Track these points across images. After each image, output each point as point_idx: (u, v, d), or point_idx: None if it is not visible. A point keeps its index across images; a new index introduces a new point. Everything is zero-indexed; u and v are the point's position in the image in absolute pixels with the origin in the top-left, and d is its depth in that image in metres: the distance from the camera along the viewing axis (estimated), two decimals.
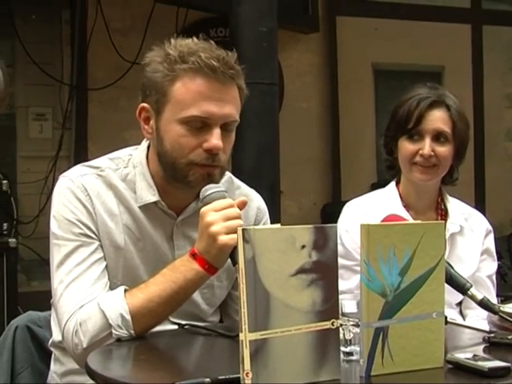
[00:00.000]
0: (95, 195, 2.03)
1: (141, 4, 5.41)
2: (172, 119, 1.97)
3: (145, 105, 2.03)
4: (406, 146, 2.52)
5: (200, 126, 1.95)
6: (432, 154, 2.49)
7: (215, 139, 1.94)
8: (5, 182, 4.52)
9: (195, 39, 2.02)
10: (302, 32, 6.08)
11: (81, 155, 5.18)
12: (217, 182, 1.99)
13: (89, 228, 2.01)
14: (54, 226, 2.03)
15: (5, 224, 4.44)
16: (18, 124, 5.28)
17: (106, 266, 2.02)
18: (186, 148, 1.96)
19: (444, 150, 2.51)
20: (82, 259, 1.98)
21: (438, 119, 2.51)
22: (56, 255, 2.00)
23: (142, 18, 5.35)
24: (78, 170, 2.08)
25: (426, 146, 2.49)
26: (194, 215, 2.02)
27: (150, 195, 2.05)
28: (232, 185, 2.20)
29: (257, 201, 2.26)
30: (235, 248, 1.82)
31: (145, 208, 2.06)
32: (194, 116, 1.94)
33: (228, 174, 2.19)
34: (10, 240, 4.34)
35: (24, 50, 5.18)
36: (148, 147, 2.10)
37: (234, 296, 2.19)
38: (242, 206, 1.95)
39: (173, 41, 2.01)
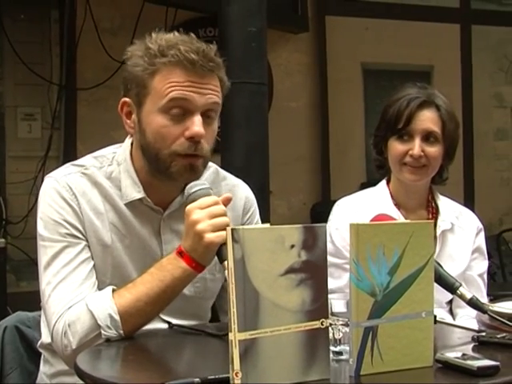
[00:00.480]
0: (80, 194, 2.02)
1: (130, 4, 5.41)
2: (153, 110, 1.96)
3: (126, 99, 2.03)
4: (395, 147, 2.52)
5: (181, 114, 1.95)
6: (422, 154, 2.48)
7: (196, 126, 1.94)
8: None
9: (176, 33, 2.02)
10: (291, 32, 6.08)
11: (70, 155, 5.17)
12: (200, 172, 1.99)
13: (75, 228, 2.00)
14: (40, 227, 2.02)
15: None
16: (6, 124, 5.27)
17: (94, 265, 2.01)
18: (169, 138, 1.95)
19: (434, 150, 2.50)
20: (68, 260, 1.97)
21: (427, 119, 2.51)
22: (43, 257, 2.00)
23: (131, 18, 5.34)
24: (63, 169, 2.08)
25: (416, 146, 2.49)
26: (180, 209, 2.02)
27: (135, 192, 2.05)
28: (218, 176, 2.20)
29: (244, 190, 2.26)
30: (222, 245, 1.84)
31: (131, 205, 2.06)
32: (173, 99, 1.94)
33: (214, 166, 2.19)
34: None
35: (13, 49, 5.17)
36: (132, 144, 2.10)
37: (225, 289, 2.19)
38: (227, 202, 1.95)
39: (154, 35, 2.01)
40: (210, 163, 2.14)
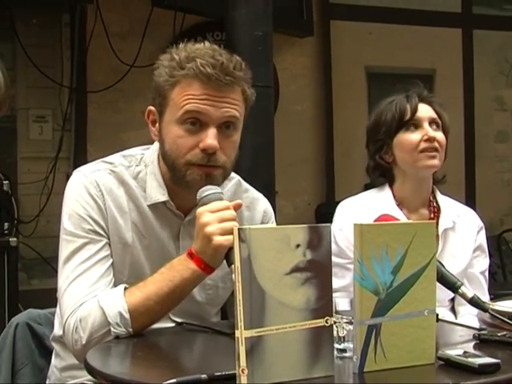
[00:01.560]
0: (107, 191, 2.03)
1: (139, 9, 5.41)
2: (171, 121, 1.98)
3: (151, 108, 2.06)
4: (407, 138, 2.53)
5: (197, 126, 1.95)
6: (435, 136, 2.51)
7: (210, 139, 1.94)
8: (6, 182, 4.52)
9: (207, 43, 2.02)
10: (296, 36, 6.08)
11: (80, 156, 5.17)
12: (217, 182, 1.98)
13: (98, 224, 2.01)
14: (65, 220, 2.03)
15: (6, 223, 4.44)
16: (18, 126, 5.27)
17: (113, 263, 2.02)
18: (184, 148, 1.96)
19: (441, 135, 2.55)
20: (88, 256, 1.98)
21: (427, 109, 2.57)
22: (64, 251, 2.00)
23: (140, 23, 5.35)
24: (93, 165, 2.09)
25: (429, 129, 2.52)
26: None
27: (159, 195, 2.06)
28: (240, 188, 2.20)
29: (264, 204, 2.25)
30: (230, 249, 1.82)
31: (154, 207, 2.06)
32: (188, 111, 1.94)
33: (236, 177, 2.19)
34: (10, 239, 4.34)
35: (25, 53, 5.17)
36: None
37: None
38: (238, 208, 1.95)
39: (181, 45, 2.01)
40: (233, 174, 2.14)
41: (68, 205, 2.03)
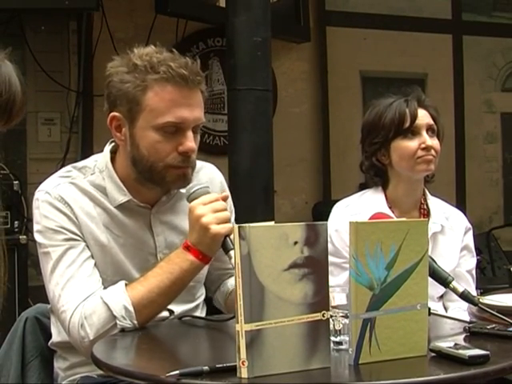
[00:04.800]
0: (72, 201, 2.02)
1: (143, 16, 5.40)
2: (147, 126, 1.97)
3: (116, 114, 2.03)
4: (405, 145, 2.51)
5: (174, 130, 1.97)
6: (432, 145, 2.50)
7: (189, 142, 1.97)
8: (16, 182, 4.51)
9: (153, 47, 2.02)
10: (294, 41, 6.06)
11: (87, 157, 5.16)
12: (190, 180, 2.02)
13: (73, 232, 2.00)
14: (39, 238, 2.02)
15: (16, 222, 4.43)
16: (28, 128, 5.26)
17: (95, 264, 2.01)
18: (163, 152, 1.97)
19: (436, 142, 2.54)
20: (72, 260, 1.98)
21: (425, 115, 2.54)
22: (48, 263, 1.99)
23: (144, 29, 5.33)
24: (52, 181, 2.07)
25: (426, 138, 2.50)
26: (166, 204, 2.08)
27: (121, 196, 2.06)
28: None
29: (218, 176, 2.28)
30: (226, 237, 1.87)
31: (120, 207, 2.06)
32: (169, 122, 1.96)
33: None
34: (20, 237, 4.33)
35: (34, 58, 5.16)
36: (112, 152, 2.10)
37: (215, 265, 2.19)
38: (226, 199, 2.01)
39: (136, 50, 2.01)
40: None
41: (39, 223, 2.02)
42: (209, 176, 2.22)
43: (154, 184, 2.03)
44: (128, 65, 1.99)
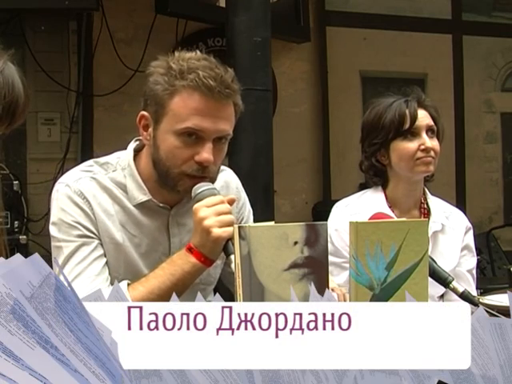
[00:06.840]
0: (91, 197, 2.02)
1: (143, 16, 5.40)
2: (168, 130, 1.96)
3: (145, 113, 2.03)
4: (405, 146, 2.50)
5: (194, 139, 1.95)
6: (432, 147, 2.50)
7: (206, 153, 1.94)
8: (16, 182, 4.52)
9: (198, 53, 2.00)
10: (294, 41, 6.07)
11: (87, 157, 5.12)
12: None
13: (88, 229, 2.00)
14: (53, 231, 2.02)
15: (16, 222, 4.44)
16: (28, 128, 5.26)
17: (107, 262, 2.02)
18: (179, 159, 1.96)
19: (436, 143, 2.53)
20: (83, 257, 1.98)
21: (425, 116, 2.53)
22: (59, 257, 1.99)
23: (144, 29, 5.34)
24: (73, 174, 2.07)
25: (426, 139, 2.49)
26: (186, 206, 2.06)
27: (141, 195, 2.06)
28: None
29: (234, 181, 2.29)
30: (228, 241, 1.85)
31: (139, 205, 2.06)
32: (188, 128, 1.94)
33: None
34: (20, 237, 4.34)
35: (34, 58, 5.17)
36: (136, 150, 2.10)
37: (226, 272, 2.20)
38: (231, 202, 1.97)
39: (176, 53, 2.00)
40: None
41: (55, 215, 2.02)
42: (225, 179, 2.22)
43: (168, 188, 2.02)
44: (165, 67, 1.98)
